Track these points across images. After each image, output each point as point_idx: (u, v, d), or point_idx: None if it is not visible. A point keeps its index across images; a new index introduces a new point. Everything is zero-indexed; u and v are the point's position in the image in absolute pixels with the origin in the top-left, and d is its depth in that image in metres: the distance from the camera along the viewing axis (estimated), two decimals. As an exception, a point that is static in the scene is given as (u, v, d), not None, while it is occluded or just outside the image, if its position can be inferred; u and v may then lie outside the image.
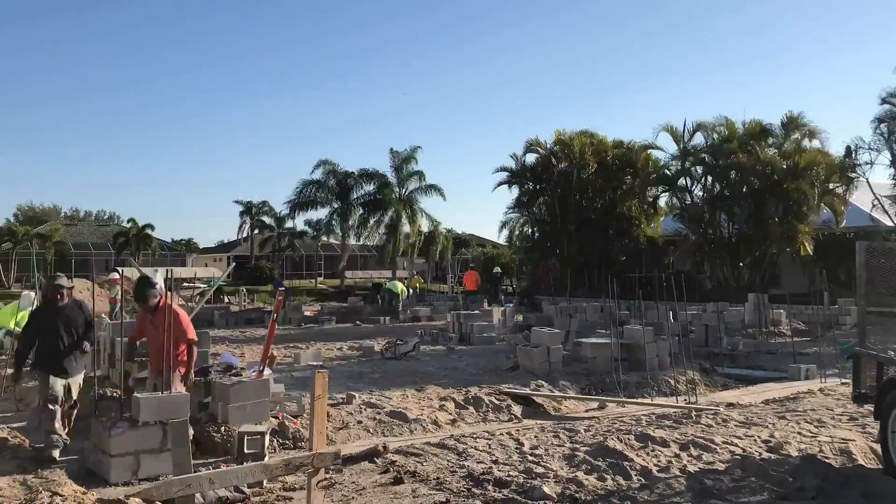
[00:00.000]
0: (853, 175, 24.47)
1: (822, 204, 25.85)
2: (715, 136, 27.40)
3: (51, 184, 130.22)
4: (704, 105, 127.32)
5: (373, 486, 5.93)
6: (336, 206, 42.98)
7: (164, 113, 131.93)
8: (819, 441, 7.03)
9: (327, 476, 5.79)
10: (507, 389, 9.94)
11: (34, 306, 9.92)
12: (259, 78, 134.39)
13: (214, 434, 7.18)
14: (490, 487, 5.73)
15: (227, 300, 34.43)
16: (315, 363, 12.76)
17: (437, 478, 6.03)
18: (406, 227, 42.18)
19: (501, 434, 7.67)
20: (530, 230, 34.74)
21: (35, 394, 7.50)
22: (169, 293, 6.98)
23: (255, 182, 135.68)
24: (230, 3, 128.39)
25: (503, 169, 33.67)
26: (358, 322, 22.79)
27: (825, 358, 12.12)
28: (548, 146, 32.77)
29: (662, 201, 31.35)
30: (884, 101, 23.41)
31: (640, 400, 9.88)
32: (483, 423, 8.66)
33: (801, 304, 20.26)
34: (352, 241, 45.17)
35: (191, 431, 5.69)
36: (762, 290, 21.04)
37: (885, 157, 23.87)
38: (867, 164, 23.90)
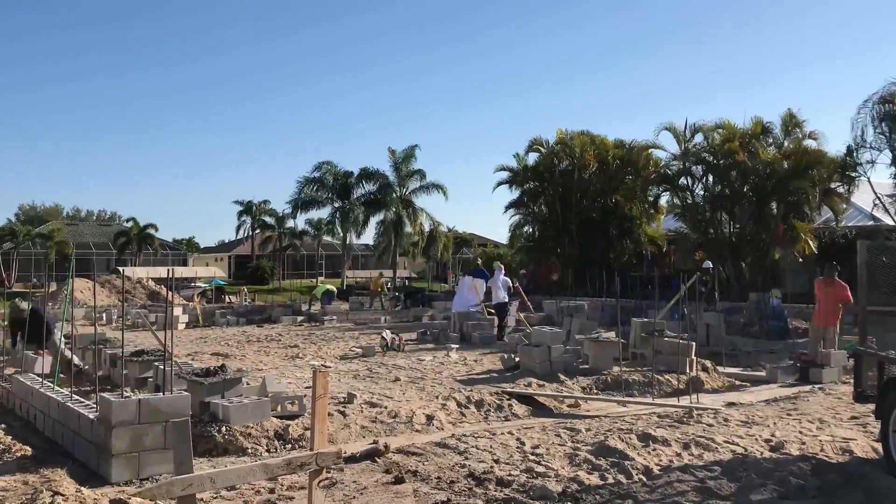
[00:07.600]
0: (854, 174, 24.41)
1: (824, 203, 25.80)
2: (715, 135, 27.34)
3: (52, 183, 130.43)
4: (706, 105, 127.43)
5: (374, 486, 5.94)
6: (337, 205, 42.99)
7: (165, 114, 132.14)
8: (820, 440, 7.03)
9: (329, 475, 5.79)
10: (508, 389, 9.94)
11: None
12: (260, 78, 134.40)
13: (216, 434, 7.18)
14: (491, 486, 5.73)
15: (228, 300, 34.54)
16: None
17: (439, 477, 6.03)
18: (407, 227, 42.17)
19: (503, 433, 7.66)
20: (531, 229, 34.70)
21: None
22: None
23: (257, 182, 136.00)
24: (231, 6, 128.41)
25: (504, 168, 33.67)
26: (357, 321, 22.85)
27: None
28: (550, 145, 32.73)
29: (663, 200, 31.30)
30: (884, 101, 23.33)
31: (641, 399, 9.88)
32: (485, 423, 8.66)
33: (803, 303, 20.26)
34: (353, 239, 45.19)
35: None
36: (764, 290, 21.02)
37: (887, 156, 23.81)
38: (868, 163, 23.83)
